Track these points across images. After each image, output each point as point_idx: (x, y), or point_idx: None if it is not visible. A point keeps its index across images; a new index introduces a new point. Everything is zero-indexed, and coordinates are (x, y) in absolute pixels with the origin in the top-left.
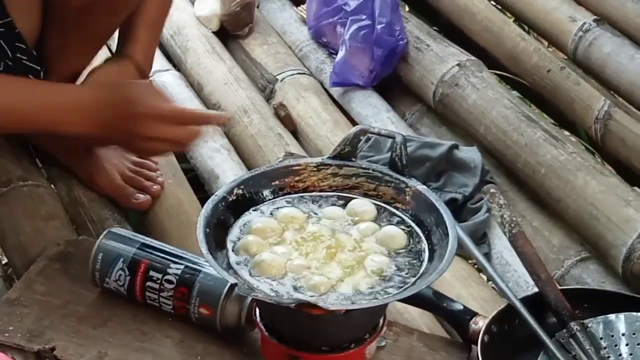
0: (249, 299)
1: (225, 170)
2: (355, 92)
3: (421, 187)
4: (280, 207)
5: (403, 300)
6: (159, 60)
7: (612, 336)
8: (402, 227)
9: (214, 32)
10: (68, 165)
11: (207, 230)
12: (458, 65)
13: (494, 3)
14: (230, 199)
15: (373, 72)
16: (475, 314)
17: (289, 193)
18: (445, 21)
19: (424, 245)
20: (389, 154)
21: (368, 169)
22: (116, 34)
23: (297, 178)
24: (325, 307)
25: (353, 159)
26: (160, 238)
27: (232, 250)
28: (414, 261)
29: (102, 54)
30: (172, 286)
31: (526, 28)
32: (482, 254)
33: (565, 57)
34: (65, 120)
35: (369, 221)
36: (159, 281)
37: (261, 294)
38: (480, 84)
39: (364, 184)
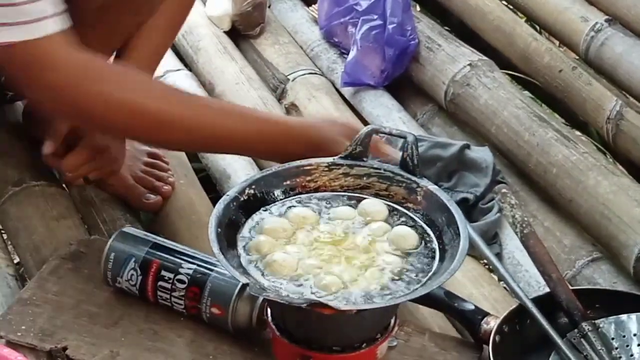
0: (261, 299)
1: (237, 170)
2: (367, 92)
3: (433, 187)
4: (292, 207)
5: (414, 300)
6: (170, 60)
7: (624, 336)
8: (414, 227)
9: (226, 32)
10: None
11: (219, 230)
12: (469, 65)
13: (506, 3)
14: (242, 199)
15: (384, 72)
16: (486, 314)
17: (301, 193)
18: (456, 21)
19: (436, 245)
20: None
21: (379, 169)
22: None
23: (308, 178)
24: (336, 307)
25: (364, 159)
26: (171, 238)
27: (244, 250)
28: (426, 261)
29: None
30: (183, 286)
31: (538, 28)
32: (494, 254)
33: (577, 57)
34: (288, 149)
35: (381, 221)
36: (170, 281)
37: (273, 294)
38: (491, 84)
39: (376, 184)
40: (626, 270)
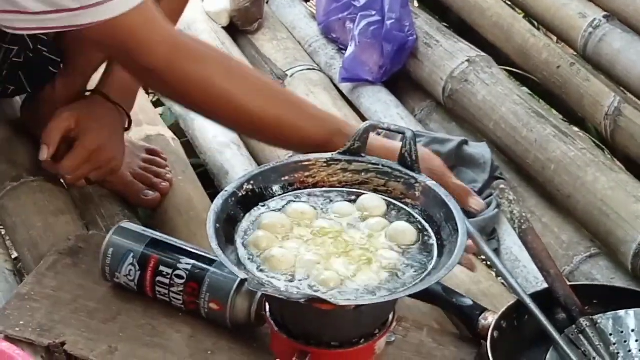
0: (259, 294)
1: (235, 165)
2: (365, 87)
3: (431, 183)
4: (290, 203)
5: (413, 296)
6: None
7: (622, 332)
8: (412, 222)
9: (224, 28)
10: None
11: (217, 225)
12: (468, 61)
13: None
14: (240, 195)
15: (382, 68)
16: (484, 310)
17: (299, 189)
18: (454, 17)
19: (434, 240)
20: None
21: (378, 165)
22: None
23: (306, 174)
24: (335, 302)
25: (363, 155)
26: (170, 234)
27: (242, 246)
28: (424, 257)
29: None
30: (182, 281)
31: (536, 24)
32: (492, 249)
33: (575, 53)
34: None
35: (379, 217)
36: (169, 276)
37: (271, 289)
38: (489, 80)
39: (374, 180)
40: (624, 266)
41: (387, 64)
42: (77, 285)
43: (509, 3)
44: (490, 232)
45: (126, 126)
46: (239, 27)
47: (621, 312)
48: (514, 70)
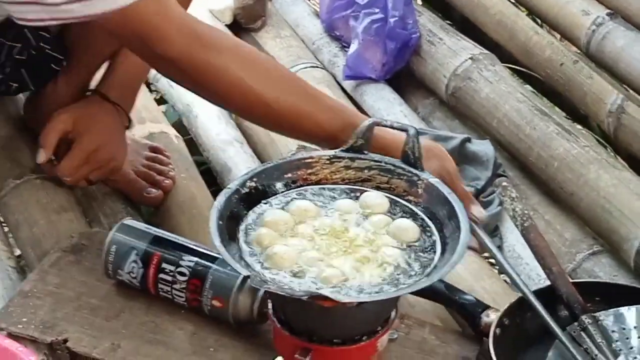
0: (262, 291)
1: (238, 163)
2: (368, 85)
3: (433, 180)
4: (293, 200)
5: (415, 293)
6: None
7: (624, 329)
8: (415, 220)
9: (227, 25)
10: None
11: (220, 222)
12: (471, 58)
13: None
14: (243, 192)
15: (386, 66)
16: (487, 307)
17: (302, 186)
18: (458, 15)
19: (437, 238)
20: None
21: (380, 162)
22: None
23: (309, 171)
24: (337, 299)
25: (365, 152)
26: (172, 231)
27: (245, 243)
28: (426, 254)
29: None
30: (184, 278)
31: (539, 22)
32: (495, 246)
33: (578, 51)
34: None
35: (382, 214)
36: (171, 273)
37: (274, 286)
38: (493, 78)
39: (377, 177)
40: (627, 264)
41: (390, 62)
42: (80, 282)
43: (513, 1)
44: (493, 230)
45: (126, 125)
46: (243, 25)
47: (623, 309)
48: (517, 67)
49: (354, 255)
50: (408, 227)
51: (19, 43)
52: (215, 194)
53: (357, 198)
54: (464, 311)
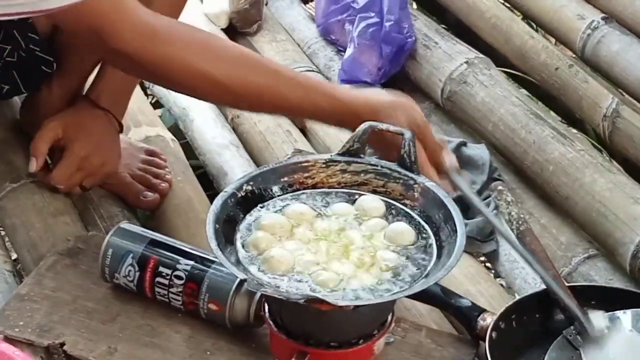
0: (258, 294)
1: (234, 167)
2: (364, 89)
3: (430, 184)
4: (289, 204)
5: (411, 297)
6: None
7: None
8: (411, 223)
9: (223, 29)
10: None
11: (217, 226)
12: (466, 62)
13: (502, 1)
14: (239, 195)
15: (381, 70)
16: (483, 311)
17: (298, 189)
18: (453, 19)
19: (433, 241)
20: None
21: (377, 166)
22: None
23: (306, 174)
24: (334, 302)
25: (362, 156)
26: (169, 235)
27: (242, 247)
28: (423, 257)
29: None
30: (181, 282)
31: (534, 26)
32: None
33: (574, 55)
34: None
35: (378, 218)
36: (168, 277)
37: (270, 290)
38: (488, 82)
39: (373, 181)
40: (622, 268)
41: (386, 66)
42: (76, 285)
43: (508, 5)
44: (488, 233)
45: (118, 130)
46: (238, 29)
47: (618, 313)
48: (512, 72)
49: (351, 258)
50: (404, 231)
51: (8, 45)
52: (211, 198)
53: (353, 202)
54: (460, 315)
